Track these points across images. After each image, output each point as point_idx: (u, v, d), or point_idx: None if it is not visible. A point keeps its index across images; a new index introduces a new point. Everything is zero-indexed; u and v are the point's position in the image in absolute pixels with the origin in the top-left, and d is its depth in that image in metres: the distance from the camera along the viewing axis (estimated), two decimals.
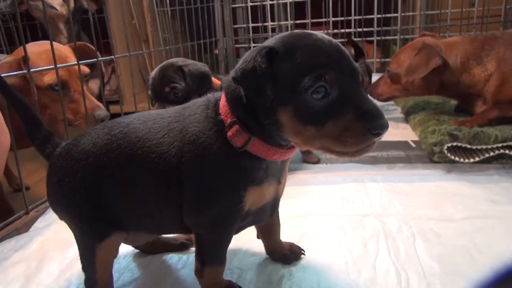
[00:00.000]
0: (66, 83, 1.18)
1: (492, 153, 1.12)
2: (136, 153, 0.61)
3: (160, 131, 0.61)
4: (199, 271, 0.65)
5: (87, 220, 0.63)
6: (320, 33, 0.56)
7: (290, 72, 0.52)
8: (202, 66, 1.15)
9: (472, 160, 1.13)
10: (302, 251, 0.78)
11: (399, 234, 0.83)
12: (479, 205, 0.94)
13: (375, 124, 0.51)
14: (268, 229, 0.75)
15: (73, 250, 0.85)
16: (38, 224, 0.99)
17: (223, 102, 0.60)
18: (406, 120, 1.66)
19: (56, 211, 0.67)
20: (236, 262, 0.77)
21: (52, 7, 1.70)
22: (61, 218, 0.67)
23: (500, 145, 1.11)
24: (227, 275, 0.72)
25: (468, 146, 1.13)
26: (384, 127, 0.51)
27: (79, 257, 0.81)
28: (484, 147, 1.12)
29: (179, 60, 1.16)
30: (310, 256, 0.77)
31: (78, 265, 0.79)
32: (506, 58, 1.35)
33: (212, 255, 0.65)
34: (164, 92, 1.11)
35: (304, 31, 0.56)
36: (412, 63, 1.40)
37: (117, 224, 0.64)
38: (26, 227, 0.97)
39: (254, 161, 0.59)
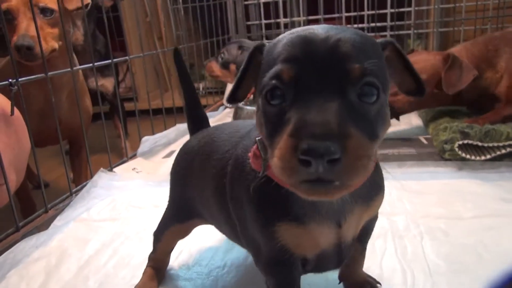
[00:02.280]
0: (14, 12, 1.13)
1: (503, 151, 1.11)
2: (207, 164, 0.62)
3: (227, 146, 0.59)
4: None
5: (177, 202, 0.71)
6: (328, 27, 0.42)
7: (262, 68, 0.45)
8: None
9: (483, 157, 1.13)
10: (379, 284, 0.68)
11: (406, 233, 0.84)
12: (489, 204, 0.94)
13: (302, 144, 0.35)
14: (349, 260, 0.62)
15: (91, 248, 0.89)
16: (57, 222, 1.03)
17: None
18: (419, 116, 1.65)
19: (170, 183, 0.74)
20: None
21: None
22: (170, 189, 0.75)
23: None
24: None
25: (479, 144, 1.13)
26: (313, 151, 0.34)
27: (96, 255, 0.85)
28: (495, 144, 1.11)
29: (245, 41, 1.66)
30: None
31: (96, 262, 0.83)
32: None
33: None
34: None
35: (314, 26, 0.44)
36: (448, 78, 1.29)
37: (199, 213, 0.69)
38: (45, 225, 1.01)
39: (286, 191, 0.45)
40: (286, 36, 0.43)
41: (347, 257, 0.56)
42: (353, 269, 0.66)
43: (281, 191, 0.46)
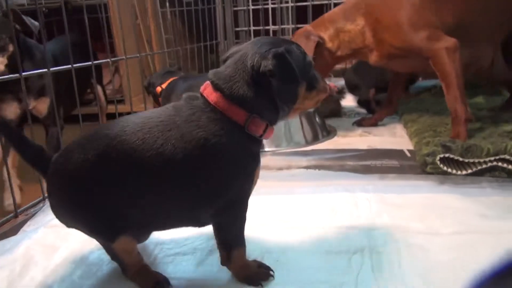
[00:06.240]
0: None
1: (484, 165, 1.11)
2: (137, 162, 0.64)
3: (156, 140, 0.64)
4: (226, 258, 0.72)
5: (96, 226, 0.68)
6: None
7: (302, 61, 0.69)
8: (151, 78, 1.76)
9: (464, 172, 1.12)
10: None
11: (384, 248, 0.82)
12: (468, 219, 0.93)
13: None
14: None
15: (58, 256, 0.85)
16: (27, 227, 0.99)
17: (225, 105, 0.66)
18: (404, 127, 1.65)
19: (64, 222, 0.71)
20: None
21: None
22: (69, 227, 0.72)
23: (492, 158, 1.10)
24: None
25: (460, 159, 1.12)
26: None
27: (63, 263, 0.82)
28: (476, 160, 1.11)
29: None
30: (292, 269, 0.77)
31: (62, 271, 0.80)
32: (370, 11, 1.39)
33: (236, 238, 0.71)
34: None
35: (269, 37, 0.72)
36: None
37: (122, 225, 0.68)
38: (14, 231, 0.97)
39: (259, 146, 0.70)
40: (292, 45, 0.72)
41: None
42: None
43: (257, 147, 0.70)
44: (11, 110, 1.36)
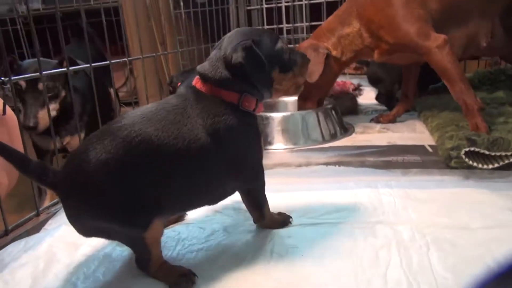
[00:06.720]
0: None
1: None
2: (162, 144, 0.67)
3: (178, 122, 0.70)
4: (259, 217, 0.86)
5: (126, 220, 0.67)
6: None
7: (270, 49, 0.78)
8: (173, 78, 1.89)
9: (491, 166, 1.09)
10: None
11: (412, 243, 0.80)
12: (497, 214, 0.90)
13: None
14: None
15: (81, 253, 0.85)
16: (48, 226, 0.99)
17: (216, 91, 0.74)
18: (423, 123, 1.62)
19: (86, 230, 0.70)
20: None
21: None
22: (89, 235, 0.72)
23: None
24: None
25: (487, 152, 1.09)
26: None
27: (86, 261, 0.82)
28: (503, 153, 1.08)
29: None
30: (318, 265, 0.75)
31: (85, 268, 0.80)
32: (361, 13, 1.42)
33: (263, 197, 0.85)
34: None
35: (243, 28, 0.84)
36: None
37: (155, 210, 0.68)
38: (36, 229, 0.97)
39: (256, 120, 0.80)
40: (263, 35, 0.81)
41: None
42: None
43: (255, 120, 0.80)
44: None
